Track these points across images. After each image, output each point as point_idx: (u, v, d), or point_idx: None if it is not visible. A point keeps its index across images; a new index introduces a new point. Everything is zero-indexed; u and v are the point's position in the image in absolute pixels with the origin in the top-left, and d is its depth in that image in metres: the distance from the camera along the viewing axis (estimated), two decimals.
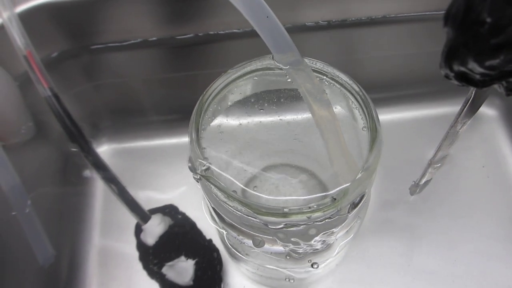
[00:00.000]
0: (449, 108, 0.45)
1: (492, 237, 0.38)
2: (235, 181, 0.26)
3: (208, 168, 0.24)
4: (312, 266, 0.30)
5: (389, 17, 0.40)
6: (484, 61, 0.17)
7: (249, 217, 0.23)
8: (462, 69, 0.18)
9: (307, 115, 0.30)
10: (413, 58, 0.44)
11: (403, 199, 0.40)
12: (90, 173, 0.43)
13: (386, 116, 0.45)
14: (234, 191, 0.23)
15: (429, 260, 0.37)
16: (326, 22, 0.39)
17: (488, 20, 0.15)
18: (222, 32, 0.39)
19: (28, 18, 0.32)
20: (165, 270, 0.34)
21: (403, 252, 0.38)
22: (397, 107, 0.46)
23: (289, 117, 0.31)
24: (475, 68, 0.17)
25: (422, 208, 0.40)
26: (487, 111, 0.45)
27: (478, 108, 0.24)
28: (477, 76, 0.18)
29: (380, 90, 0.45)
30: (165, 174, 0.42)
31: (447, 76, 0.19)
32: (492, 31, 0.15)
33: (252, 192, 0.28)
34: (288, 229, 0.23)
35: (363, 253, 0.38)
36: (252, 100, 0.30)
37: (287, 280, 0.33)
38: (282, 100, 0.30)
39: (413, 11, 0.40)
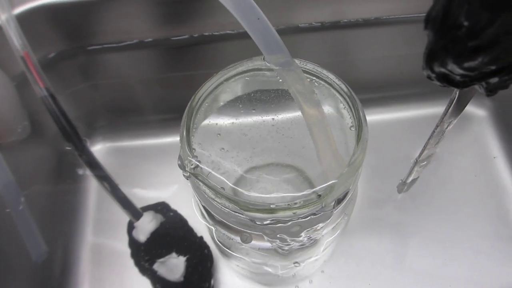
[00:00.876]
0: (439, 109, 0.44)
1: (480, 235, 0.38)
2: (223, 178, 0.26)
3: (197, 166, 0.24)
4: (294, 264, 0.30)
5: (381, 19, 0.40)
6: (463, 63, 0.17)
7: (237, 214, 0.23)
8: (443, 70, 0.18)
9: (297, 114, 0.31)
10: (404, 59, 0.44)
11: (391, 197, 0.40)
12: (83, 171, 0.43)
13: (376, 116, 0.45)
14: (222, 188, 0.23)
15: (417, 257, 0.37)
16: (319, 24, 0.40)
17: (465, 24, 0.16)
18: (216, 33, 0.39)
19: (25, 20, 0.32)
20: (156, 266, 0.34)
21: (391, 249, 0.38)
22: (387, 108, 0.46)
23: (279, 116, 0.31)
24: (454, 69, 0.18)
25: (410, 206, 0.40)
26: (477, 111, 0.46)
27: (464, 108, 0.24)
28: (457, 77, 0.18)
29: (371, 90, 0.45)
30: (158, 172, 0.43)
31: (429, 77, 0.20)
32: (470, 35, 0.16)
33: (240, 189, 0.28)
34: (275, 225, 0.23)
35: (351, 250, 0.38)
36: (244, 100, 0.30)
37: (275, 276, 0.33)
38: (273, 100, 0.30)
39: (405, 13, 0.40)
